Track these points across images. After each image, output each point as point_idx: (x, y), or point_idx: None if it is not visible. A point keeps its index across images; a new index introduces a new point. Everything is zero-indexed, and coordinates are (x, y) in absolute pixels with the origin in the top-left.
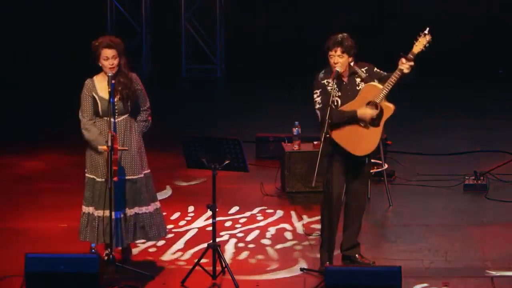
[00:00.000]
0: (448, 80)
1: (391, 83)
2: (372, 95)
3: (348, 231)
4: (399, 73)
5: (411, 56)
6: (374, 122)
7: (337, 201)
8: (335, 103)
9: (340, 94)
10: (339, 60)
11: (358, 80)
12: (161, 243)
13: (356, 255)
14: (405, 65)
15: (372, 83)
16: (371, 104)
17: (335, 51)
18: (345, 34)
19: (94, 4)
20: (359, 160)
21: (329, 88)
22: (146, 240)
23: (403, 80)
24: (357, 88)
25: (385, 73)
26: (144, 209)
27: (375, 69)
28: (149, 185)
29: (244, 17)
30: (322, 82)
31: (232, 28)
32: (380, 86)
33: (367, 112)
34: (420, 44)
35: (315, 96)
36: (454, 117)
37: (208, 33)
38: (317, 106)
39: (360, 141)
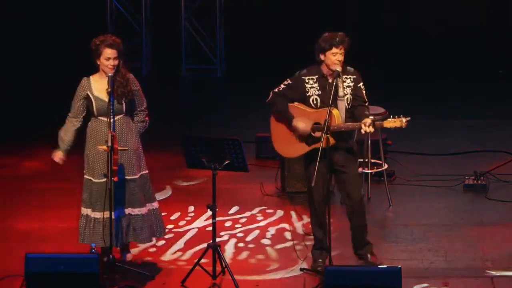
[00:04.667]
0: (448, 80)
1: (346, 127)
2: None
3: (352, 230)
4: (358, 127)
5: (378, 126)
6: (307, 140)
7: (322, 198)
8: (315, 102)
9: (320, 93)
10: (341, 58)
11: (341, 83)
12: (161, 243)
13: (368, 254)
14: (365, 128)
15: (335, 110)
16: (319, 127)
17: (340, 48)
18: (341, 32)
19: (94, 4)
20: (345, 159)
21: (307, 86)
22: (137, 242)
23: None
24: (339, 90)
25: (363, 98)
26: (136, 211)
27: (360, 84)
28: (146, 186)
29: (244, 17)
30: (302, 78)
31: (232, 28)
32: (339, 120)
33: (298, 127)
34: (394, 123)
35: (283, 82)
36: (454, 117)
37: (208, 33)
38: (276, 90)
39: (289, 145)
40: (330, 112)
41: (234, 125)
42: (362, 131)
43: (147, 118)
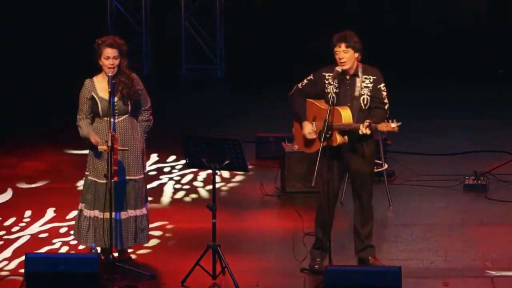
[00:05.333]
0: (448, 80)
1: (349, 127)
2: (332, 118)
3: (356, 233)
4: (357, 128)
5: (373, 128)
6: (320, 137)
7: (324, 198)
8: (332, 99)
9: (338, 90)
10: (344, 55)
11: (359, 83)
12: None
13: (370, 257)
14: (362, 130)
15: (345, 109)
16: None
17: (339, 46)
18: (349, 31)
19: (94, 4)
20: (357, 160)
21: (326, 82)
22: (144, 243)
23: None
24: (356, 90)
25: (381, 99)
26: (144, 211)
27: (381, 85)
28: (146, 185)
29: (244, 17)
30: (323, 74)
31: (232, 28)
32: (348, 119)
33: (305, 129)
34: (386, 127)
35: (306, 77)
36: (454, 117)
37: (208, 33)
38: (299, 85)
39: (308, 140)
40: (330, 112)
41: (234, 125)
42: (360, 132)
43: (151, 117)
